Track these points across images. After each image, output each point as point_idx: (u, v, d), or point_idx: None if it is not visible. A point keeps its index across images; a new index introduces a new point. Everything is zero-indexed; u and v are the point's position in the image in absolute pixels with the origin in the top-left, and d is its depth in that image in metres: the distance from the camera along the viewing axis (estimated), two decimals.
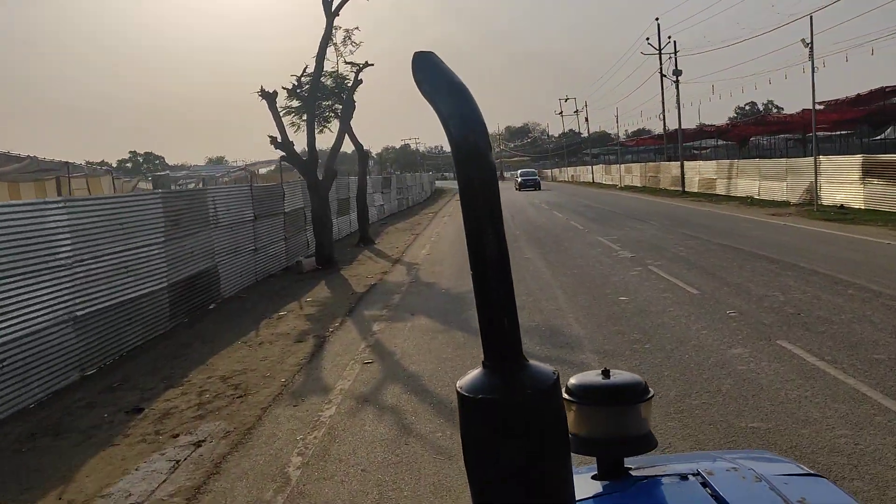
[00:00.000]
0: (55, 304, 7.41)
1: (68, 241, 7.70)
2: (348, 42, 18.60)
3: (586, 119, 77.31)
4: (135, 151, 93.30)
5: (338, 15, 16.18)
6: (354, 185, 23.24)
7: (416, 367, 7.44)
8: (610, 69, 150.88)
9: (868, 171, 20.17)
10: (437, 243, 20.16)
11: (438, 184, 79.19)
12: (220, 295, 12.11)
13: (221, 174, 40.36)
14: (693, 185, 35.69)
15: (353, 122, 18.65)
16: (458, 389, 0.77)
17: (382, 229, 26.07)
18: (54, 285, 7.42)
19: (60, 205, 7.78)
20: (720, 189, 31.90)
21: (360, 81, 18.01)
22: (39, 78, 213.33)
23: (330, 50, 17.17)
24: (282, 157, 16.39)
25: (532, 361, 0.78)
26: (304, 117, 16.86)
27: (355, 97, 18.03)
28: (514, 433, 0.75)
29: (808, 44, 21.02)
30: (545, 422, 0.76)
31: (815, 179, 22.04)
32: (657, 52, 40.75)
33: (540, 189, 53.19)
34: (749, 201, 26.69)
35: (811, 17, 21.21)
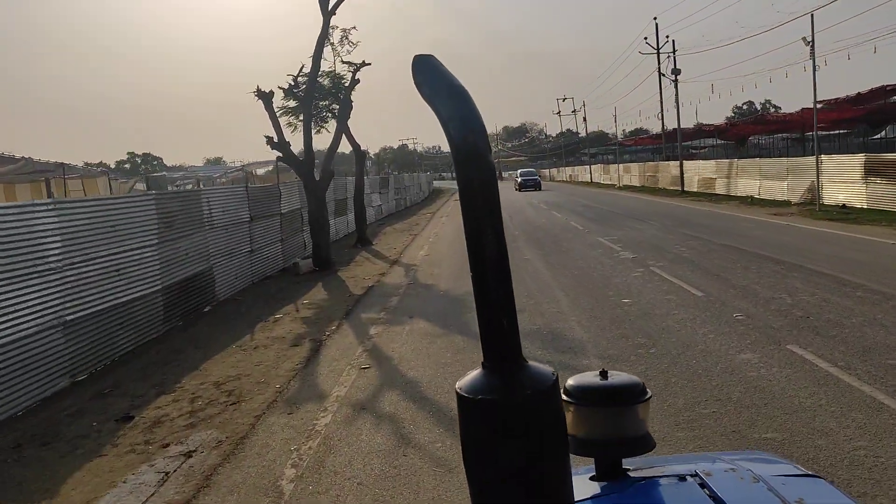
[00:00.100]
0: (44, 309, 7.20)
1: (58, 244, 7.49)
2: (345, 42, 18.45)
3: (584, 119, 77.24)
4: (133, 152, 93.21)
5: (334, 14, 15.97)
6: (352, 185, 23.03)
7: (415, 372, 7.24)
8: (608, 69, 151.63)
9: (871, 171, 20.01)
10: (436, 244, 19.95)
11: (436, 184, 79.17)
12: (215, 297, 11.90)
13: (219, 175, 40.14)
14: (692, 185, 35.59)
15: (350, 123, 18.48)
16: (458, 390, 0.77)
17: (380, 230, 25.86)
18: (43, 289, 7.21)
19: (49, 207, 7.56)
20: (720, 189, 31.78)
21: (358, 81, 17.83)
22: (37, 78, 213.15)
23: (327, 50, 16.99)
24: (278, 158, 16.17)
25: (531, 362, 0.78)
26: (301, 117, 16.66)
27: (353, 97, 17.87)
28: (513, 433, 0.75)
29: (809, 42, 20.87)
30: (544, 422, 0.76)
31: (818, 179, 21.87)
32: (655, 51, 40.64)
33: (540, 189, 53.00)
34: (750, 201, 26.54)
35: (812, 16, 21.09)
